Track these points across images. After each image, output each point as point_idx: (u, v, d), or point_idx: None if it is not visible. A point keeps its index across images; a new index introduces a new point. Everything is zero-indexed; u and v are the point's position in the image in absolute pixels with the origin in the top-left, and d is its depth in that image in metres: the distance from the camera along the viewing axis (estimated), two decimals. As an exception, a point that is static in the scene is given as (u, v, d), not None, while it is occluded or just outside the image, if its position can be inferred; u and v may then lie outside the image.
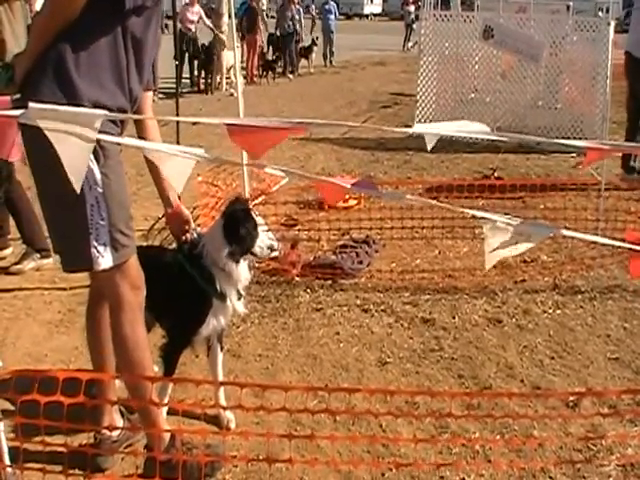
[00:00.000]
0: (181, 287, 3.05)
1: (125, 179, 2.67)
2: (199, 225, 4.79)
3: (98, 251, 2.52)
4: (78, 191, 2.08)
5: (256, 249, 3.07)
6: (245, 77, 17.10)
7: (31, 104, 2.04)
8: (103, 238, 2.51)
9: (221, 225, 3.05)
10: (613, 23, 8.80)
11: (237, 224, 3.02)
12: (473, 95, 10.61)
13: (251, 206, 3.24)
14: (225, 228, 3.03)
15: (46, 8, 2.45)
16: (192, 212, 5.64)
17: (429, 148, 2.23)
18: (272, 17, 19.46)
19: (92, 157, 2.40)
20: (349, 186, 2.39)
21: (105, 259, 2.54)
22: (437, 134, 2.26)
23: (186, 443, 2.84)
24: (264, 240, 3.10)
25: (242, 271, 3.08)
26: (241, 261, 3.06)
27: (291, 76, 18.68)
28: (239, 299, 3.14)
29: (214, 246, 3.03)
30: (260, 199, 6.31)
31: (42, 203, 2.63)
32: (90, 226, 2.49)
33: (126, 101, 2.57)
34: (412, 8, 26.01)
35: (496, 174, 7.43)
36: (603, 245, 4.82)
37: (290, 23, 18.32)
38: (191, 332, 3.09)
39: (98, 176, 2.46)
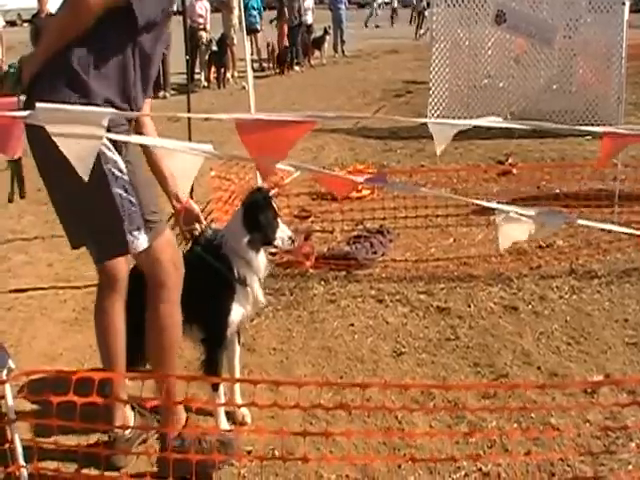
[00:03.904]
0: (203, 281, 3.01)
1: (143, 161, 2.73)
2: (212, 220, 4.80)
3: (133, 235, 2.58)
4: (86, 179, 2.09)
5: (277, 240, 3.07)
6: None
7: (38, 104, 2.04)
8: (136, 222, 2.57)
9: (241, 214, 3.05)
10: (628, 3, 8.66)
11: (257, 213, 3.01)
12: (486, 81, 10.49)
13: (272, 196, 3.22)
14: (245, 217, 3.03)
15: (57, 20, 2.52)
16: (206, 206, 5.70)
17: (438, 152, 2.21)
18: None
19: (114, 149, 2.48)
20: (361, 180, 2.38)
21: (141, 241, 2.60)
22: (449, 126, 2.23)
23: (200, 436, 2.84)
24: (284, 231, 3.10)
25: (261, 260, 3.08)
26: (261, 251, 3.06)
27: (297, 68, 18.59)
28: (259, 288, 3.13)
29: (234, 235, 3.02)
30: (273, 192, 6.30)
31: (62, 203, 2.67)
32: (122, 214, 2.54)
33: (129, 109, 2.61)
34: (424, -5, 25.82)
35: (510, 160, 7.36)
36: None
37: (297, 15, 18.23)
38: (225, 323, 3.05)
39: (122, 165, 2.52)
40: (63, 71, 2.44)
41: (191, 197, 5.44)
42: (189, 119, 5.73)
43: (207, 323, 3.08)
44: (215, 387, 3.08)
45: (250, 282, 3.07)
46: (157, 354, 2.82)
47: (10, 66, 4.40)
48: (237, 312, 3.08)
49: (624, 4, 8.62)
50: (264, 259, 3.11)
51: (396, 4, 33.08)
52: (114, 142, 2.46)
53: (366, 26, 32.33)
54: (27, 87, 2.51)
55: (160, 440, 2.88)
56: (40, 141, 2.47)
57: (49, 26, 2.61)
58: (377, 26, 32.67)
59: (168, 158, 2.66)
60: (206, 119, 2.28)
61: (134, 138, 2.53)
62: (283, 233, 3.09)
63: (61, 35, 2.46)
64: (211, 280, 3.03)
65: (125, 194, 2.53)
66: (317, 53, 20.27)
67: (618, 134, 2.30)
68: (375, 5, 33.58)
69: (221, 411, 3.10)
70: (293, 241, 3.18)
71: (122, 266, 2.87)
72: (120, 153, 2.51)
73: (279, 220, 3.10)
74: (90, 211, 2.59)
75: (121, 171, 2.51)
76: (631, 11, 8.73)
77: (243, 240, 3.00)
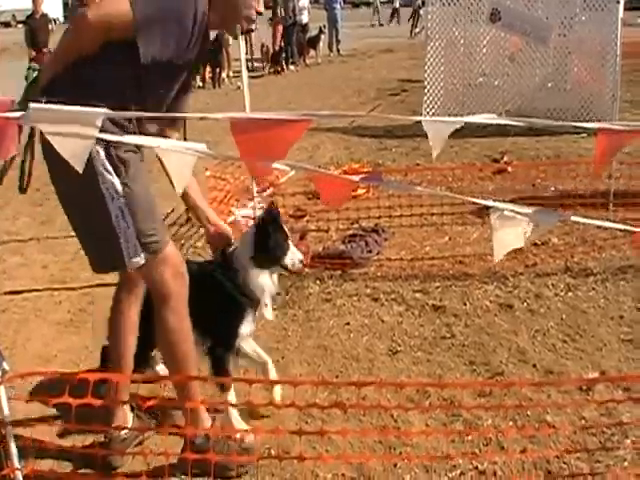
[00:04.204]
0: (212, 292, 3.08)
1: (147, 180, 2.69)
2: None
3: (129, 253, 2.57)
4: (80, 171, 2.07)
5: (287, 261, 3.15)
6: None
7: (31, 104, 2.04)
8: (132, 241, 2.56)
9: (253, 234, 3.13)
10: (622, 1, 8.68)
11: (268, 236, 3.09)
12: (481, 79, 10.48)
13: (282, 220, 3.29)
14: (256, 238, 3.11)
15: (64, 36, 2.57)
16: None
17: (434, 155, 2.20)
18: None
19: (112, 170, 2.50)
20: (357, 179, 2.38)
21: (138, 258, 2.59)
22: (444, 124, 2.23)
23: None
24: (295, 253, 3.17)
25: (267, 281, 3.14)
26: (269, 270, 3.14)
27: (292, 67, 18.59)
28: (267, 306, 3.19)
29: (244, 253, 3.10)
30: (268, 191, 6.30)
31: (66, 210, 2.68)
32: (118, 233, 2.54)
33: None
34: (419, -6, 25.79)
35: (505, 158, 7.36)
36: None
37: (292, 14, 18.21)
38: (231, 334, 3.11)
39: (119, 188, 2.52)
40: (69, 87, 2.46)
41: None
42: (184, 119, 5.72)
43: (214, 333, 3.12)
44: (223, 388, 3.09)
45: (257, 298, 3.12)
46: (173, 367, 2.82)
47: (30, 67, 4.46)
48: (243, 325, 3.12)
49: (618, 2, 8.63)
50: (269, 279, 3.16)
51: (397, 4, 33.10)
52: (113, 164, 2.49)
53: (380, 24, 32.40)
54: (41, 91, 2.52)
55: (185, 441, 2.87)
56: (48, 147, 2.49)
57: (59, 43, 2.63)
58: (372, 25, 32.65)
59: (162, 157, 2.65)
60: (201, 119, 2.28)
61: (126, 138, 2.51)
62: (294, 255, 3.17)
63: (65, 50, 2.52)
64: (219, 292, 3.08)
65: (121, 215, 2.53)
66: (312, 52, 20.26)
67: (613, 130, 2.29)
68: (377, 4, 33.60)
69: (233, 411, 3.09)
70: (303, 264, 3.29)
71: None
72: (119, 175, 2.51)
73: (290, 242, 3.18)
74: (89, 227, 2.62)
75: (118, 193, 2.51)
76: (625, 9, 8.74)
77: (251, 260, 3.08)
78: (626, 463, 2.82)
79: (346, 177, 2.47)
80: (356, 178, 2.36)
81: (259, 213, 5.24)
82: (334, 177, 2.68)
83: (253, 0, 2.69)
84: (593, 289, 4.42)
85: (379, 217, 5.43)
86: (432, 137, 2.20)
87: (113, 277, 3.11)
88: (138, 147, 2.62)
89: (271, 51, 18.11)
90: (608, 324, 3.97)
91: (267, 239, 3.08)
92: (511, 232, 2.25)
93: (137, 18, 2.41)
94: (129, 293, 2.94)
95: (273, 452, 2.92)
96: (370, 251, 5.06)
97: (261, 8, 2.74)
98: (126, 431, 2.95)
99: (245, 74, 5.57)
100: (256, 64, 18.47)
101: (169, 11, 2.50)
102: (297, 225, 5.65)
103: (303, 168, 2.51)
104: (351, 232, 5.40)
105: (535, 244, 5.07)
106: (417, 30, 25.52)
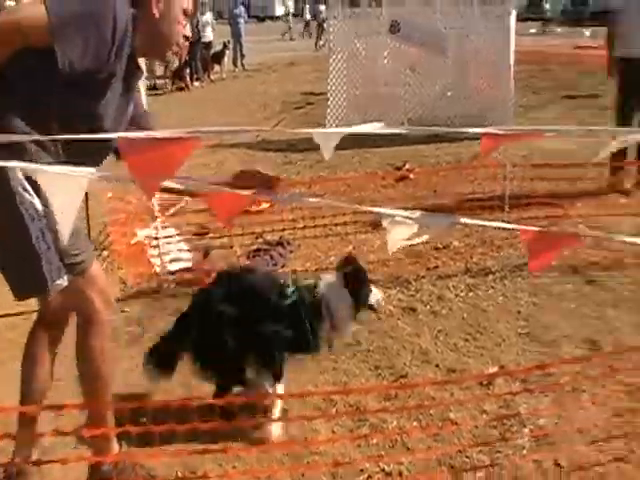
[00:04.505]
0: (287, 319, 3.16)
1: None
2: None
3: (52, 276, 2.47)
4: None
5: (373, 302, 3.30)
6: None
7: None
8: (55, 263, 2.47)
9: (342, 281, 3.21)
10: (514, 12, 9.07)
11: (359, 283, 3.22)
12: (383, 89, 10.69)
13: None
14: (347, 284, 3.20)
15: None
16: (103, 228, 5.57)
17: (326, 157, 2.23)
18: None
19: (31, 190, 2.37)
20: (248, 193, 2.37)
21: (60, 281, 2.50)
22: (336, 134, 2.26)
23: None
24: (377, 294, 3.33)
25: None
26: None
27: (197, 83, 18.51)
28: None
29: (338, 299, 3.19)
30: (172, 210, 6.21)
31: None
32: (40, 255, 2.43)
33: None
34: (323, 7, 26.13)
35: (407, 165, 7.52)
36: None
37: (195, 30, 18.09)
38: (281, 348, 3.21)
39: (40, 208, 2.40)
40: None
41: (87, 217, 5.29)
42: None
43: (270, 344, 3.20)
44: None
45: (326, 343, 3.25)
46: (91, 390, 2.74)
47: None
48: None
49: (510, 14, 9.02)
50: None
51: (308, 17, 33.62)
52: (32, 183, 2.35)
53: (291, 39, 32.70)
54: None
55: (90, 469, 2.80)
56: None
57: None
58: (281, 38, 32.92)
59: (46, 186, 2.54)
60: (89, 140, 2.21)
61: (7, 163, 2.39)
62: (376, 294, 3.31)
63: None
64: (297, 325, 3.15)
65: (41, 237, 2.42)
66: (217, 68, 20.16)
67: (495, 134, 2.39)
68: (290, 18, 34.03)
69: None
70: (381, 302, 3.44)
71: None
72: (39, 195, 2.38)
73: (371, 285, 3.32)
74: (8, 250, 2.50)
75: (38, 213, 2.40)
76: (518, 20, 9.14)
77: (347, 307, 3.21)
78: (525, 451, 2.93)
79: (236, 192, 2.47)
80: (247, 192, 2.36)
81: (162, 232, 5.21)
82: (223, 193, 2.67)
83: (180, 25, 2.59)
84: (492, 287, 4.57)
85: (283, 230, 5.47)
86: (322, 145, 2.22)
87: (14, 307, 3.00)
88: (61, 161, 2.47)
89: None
90: (507, 320, 4.12)
91: (360, 287, 3.23)
92: (403, 235, 2.32)
93: (52, 21, 2.28)
94: (48, 329, 2.79)
95: (179, 473, 2.88)
96: (275, 264, 5.08)
97: (189, 33, 2.67)
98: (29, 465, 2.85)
99: (143, 90, 5.50)
100: (159, 81, 18.22)
101: (86, 14, 2.36)
102: (201, 243, 5.60)
103: (192, 183, 2.49)
104: (255, 247, 5.41)
105: (436, 248, 5.21)
106: (321, 43, 25.86)
